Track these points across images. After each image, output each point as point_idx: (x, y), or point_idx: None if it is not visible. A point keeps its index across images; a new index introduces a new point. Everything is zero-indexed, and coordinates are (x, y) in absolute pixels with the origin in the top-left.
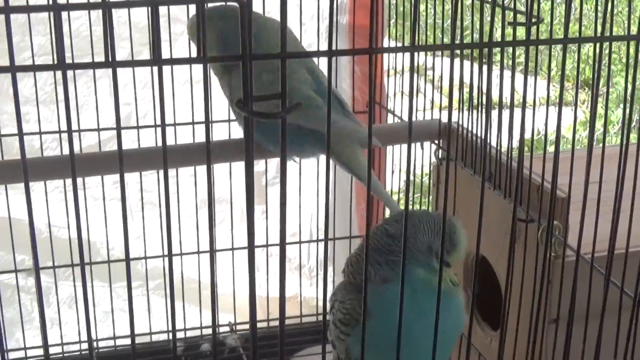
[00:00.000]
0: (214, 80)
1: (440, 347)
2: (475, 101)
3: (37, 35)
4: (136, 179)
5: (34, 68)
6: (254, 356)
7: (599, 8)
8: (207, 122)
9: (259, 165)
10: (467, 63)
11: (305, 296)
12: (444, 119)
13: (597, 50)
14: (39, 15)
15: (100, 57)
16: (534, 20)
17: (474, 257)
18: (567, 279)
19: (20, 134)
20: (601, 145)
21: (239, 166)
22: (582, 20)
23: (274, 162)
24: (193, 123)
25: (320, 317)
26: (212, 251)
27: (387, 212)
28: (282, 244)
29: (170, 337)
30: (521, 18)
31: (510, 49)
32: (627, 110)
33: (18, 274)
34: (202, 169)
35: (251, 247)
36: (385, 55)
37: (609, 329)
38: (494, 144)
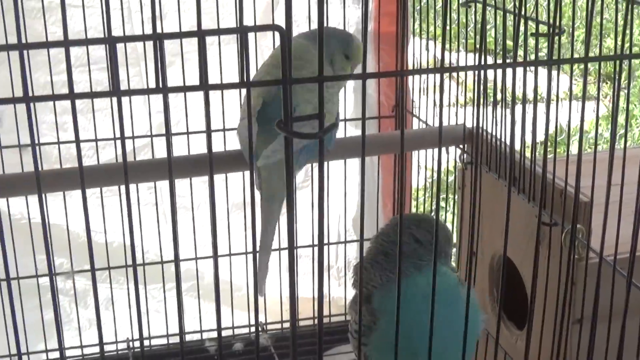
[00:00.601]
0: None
1: (452, 343)
2: (499, 101)
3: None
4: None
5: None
6: (293, 354)
7: (619, 25)
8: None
9: None
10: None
11: (333, 296)
12: (468, 122)
13: (617, 68)
14: (75, 30)
15: (132, 68)
16: (555, 31)
17: (500, 259)
18: (590, 281)
19: (78, 141)
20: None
21: None
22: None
23: (303, 168)
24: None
25: (349, 317)
26: (255, 252)
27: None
28: (320, 246)
29: (203, 337)
30: (544, 29)
31: (533, 44)
32: None
33: (57, 277)
34: (234, 174)
35: (291, 249)
36: (410, 53)
37: (632, 330)
38: (517, 148)
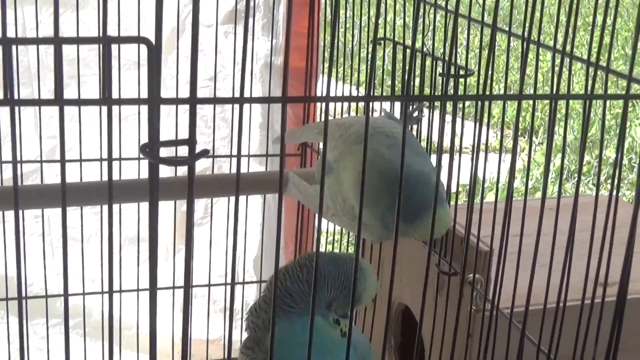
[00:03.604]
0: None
1: None
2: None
3: None
4: (58, 214)
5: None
6: None
7: (556, 63)
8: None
9: (185, 205)
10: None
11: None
12: None
13: (553, 107)
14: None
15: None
16: (463, 72)
17: (399, 307)
18: (487, 333)
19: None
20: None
21: (165, 205)
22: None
23: (202, 202)
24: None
25: None
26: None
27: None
28: (187, 287)
29: None
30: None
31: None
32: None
33: None
34: (128, 206)
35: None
36: (319, 91)
37: None
38: None
